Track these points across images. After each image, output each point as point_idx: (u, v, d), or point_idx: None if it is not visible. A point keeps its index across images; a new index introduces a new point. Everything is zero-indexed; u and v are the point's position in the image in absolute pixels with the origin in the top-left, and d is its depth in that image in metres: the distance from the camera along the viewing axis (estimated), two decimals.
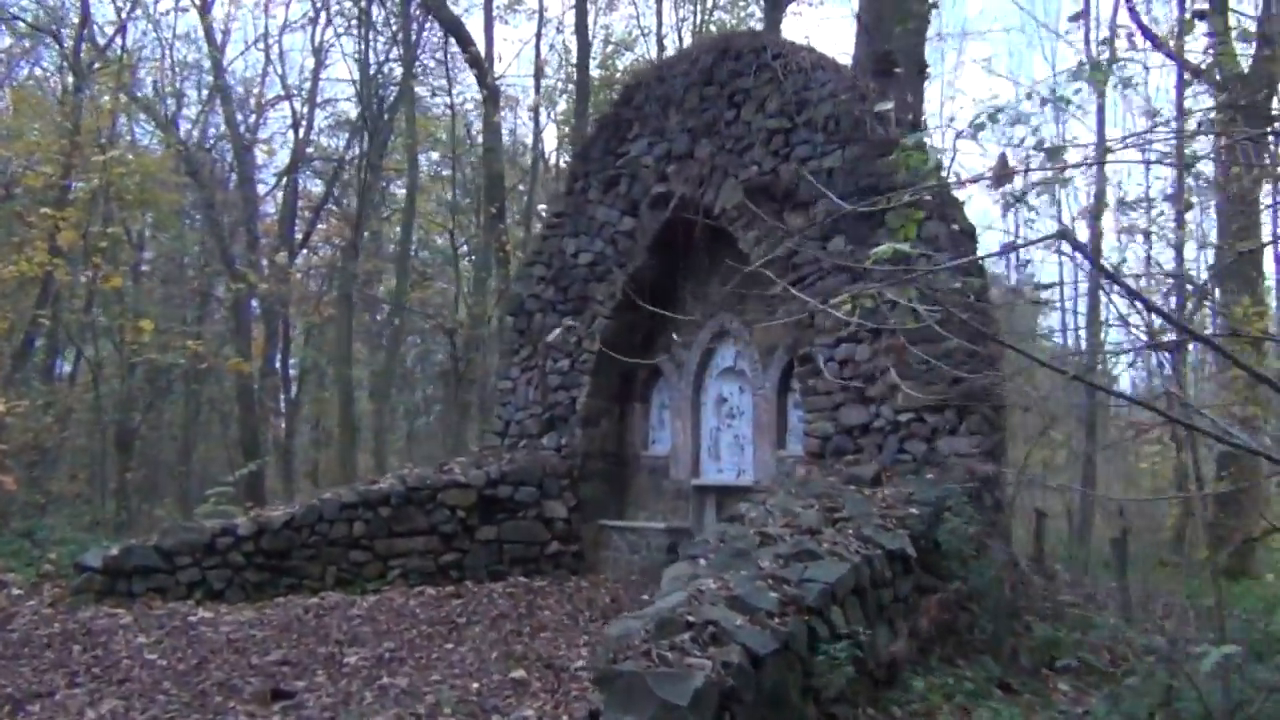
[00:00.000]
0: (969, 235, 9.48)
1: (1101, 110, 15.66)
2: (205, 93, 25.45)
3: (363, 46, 23.48)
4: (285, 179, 25.59)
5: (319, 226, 27.57)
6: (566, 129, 26.08)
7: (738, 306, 11.44)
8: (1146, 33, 9.34)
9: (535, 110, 25.37)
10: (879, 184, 9.40)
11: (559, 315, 12.46)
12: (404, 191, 25.33)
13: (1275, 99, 9.41)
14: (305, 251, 27.27)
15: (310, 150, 26.09)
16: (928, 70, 13.37)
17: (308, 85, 25.82)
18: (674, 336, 12.02)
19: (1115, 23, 11.86)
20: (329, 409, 29.46)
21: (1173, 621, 7.55)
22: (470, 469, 12.01)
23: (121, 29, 22.19)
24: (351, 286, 22.51)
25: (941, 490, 7.85)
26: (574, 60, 22.19)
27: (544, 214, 16.83)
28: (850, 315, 6.80)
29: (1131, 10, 10.26)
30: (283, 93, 26.20)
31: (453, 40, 21.79)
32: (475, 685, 6.91)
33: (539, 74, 24.98)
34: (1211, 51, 7.41)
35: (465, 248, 26.92)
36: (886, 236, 9.24)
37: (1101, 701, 6.03)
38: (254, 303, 23.54)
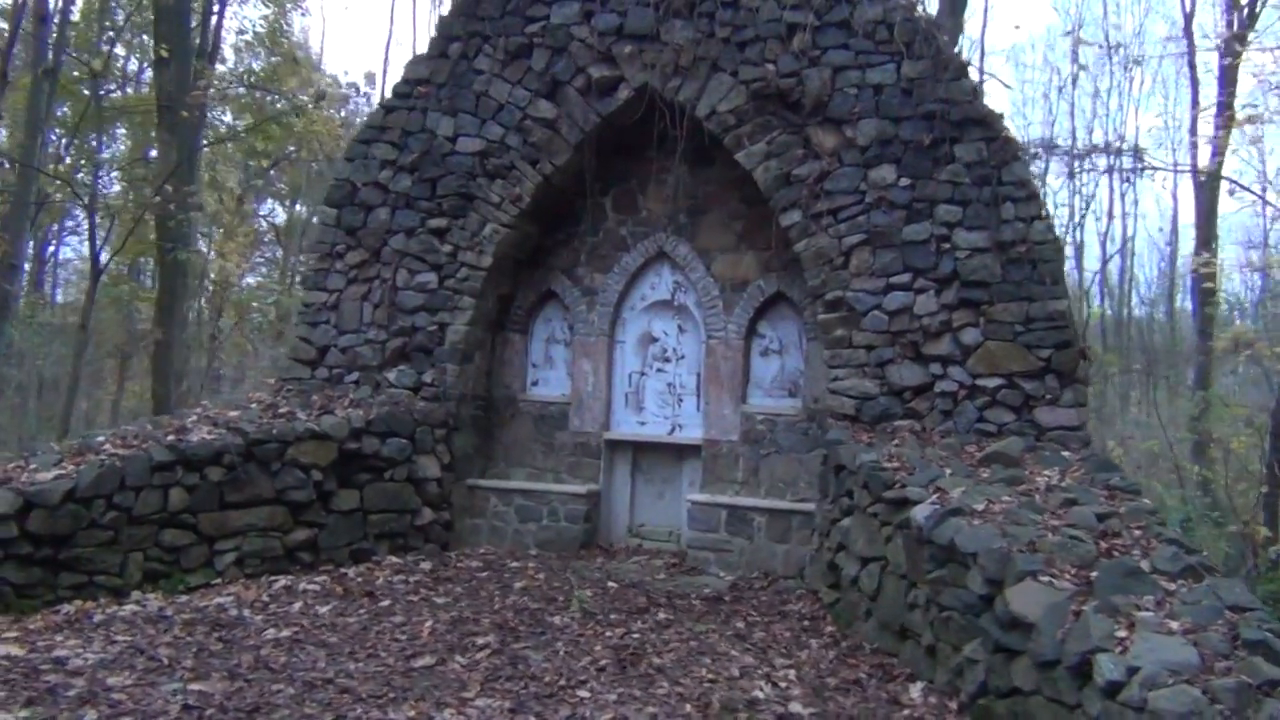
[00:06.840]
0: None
1: None
2: None
3: None
4: None
5: None
6: None
7: (688, 228, 9.53)
8: None
9: None
10: (950, 111, 8.24)
11: (420, 216, 9.49)
12: None
13: None
14: None
15: None
16: None
17: None
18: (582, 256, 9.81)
19: None
20: None
21: None
22: (318, 414, 8.77)
23: None
24: None
25: (1116, 475, 7.00)
26: None
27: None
28: None
29: None
30: None
31: None
32: None
33: None
34: None
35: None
36: (963, 173, 8.19)
37: None
38: None
